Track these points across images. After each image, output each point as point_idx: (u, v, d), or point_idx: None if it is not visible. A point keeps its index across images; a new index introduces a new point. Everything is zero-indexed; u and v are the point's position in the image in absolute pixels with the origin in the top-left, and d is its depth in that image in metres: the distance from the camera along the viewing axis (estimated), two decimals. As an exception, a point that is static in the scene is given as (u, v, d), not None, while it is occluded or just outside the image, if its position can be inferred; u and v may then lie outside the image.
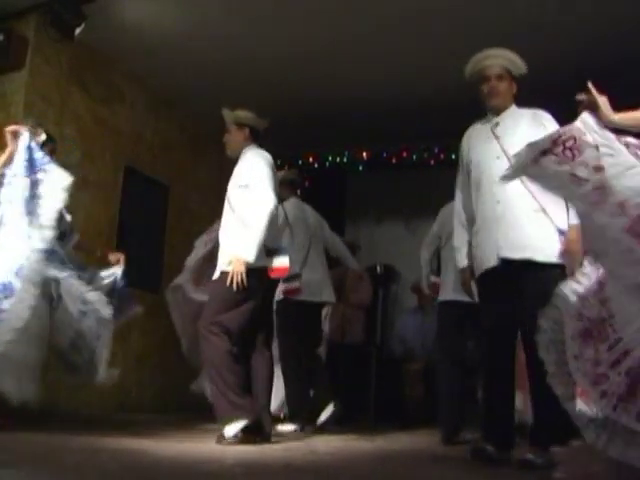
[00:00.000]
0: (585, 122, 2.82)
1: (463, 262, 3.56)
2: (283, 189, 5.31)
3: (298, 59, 5.95)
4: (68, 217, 4.24)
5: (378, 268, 7.33)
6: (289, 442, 4.05)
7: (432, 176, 7.22)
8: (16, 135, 3.69)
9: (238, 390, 3.71)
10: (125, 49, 5.79)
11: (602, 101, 2.75)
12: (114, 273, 4.20)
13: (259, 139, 4.22)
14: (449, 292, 4.72)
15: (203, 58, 5.94)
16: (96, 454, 2.98)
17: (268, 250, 3.90)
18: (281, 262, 3.94)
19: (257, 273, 3.82)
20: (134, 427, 3.90)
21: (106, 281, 4.15)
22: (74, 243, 4.26)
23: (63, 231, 4.12)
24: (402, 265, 7.58)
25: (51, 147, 4.14)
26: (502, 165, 3.15)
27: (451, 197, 5.04)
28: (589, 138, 2.79)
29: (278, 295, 5.02)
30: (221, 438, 3.63)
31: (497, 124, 3.44)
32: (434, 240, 5.06)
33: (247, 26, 5.47)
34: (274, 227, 4.02)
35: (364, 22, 5.32)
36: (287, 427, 4.86)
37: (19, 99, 5.17)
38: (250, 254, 3.74)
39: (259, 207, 3.82)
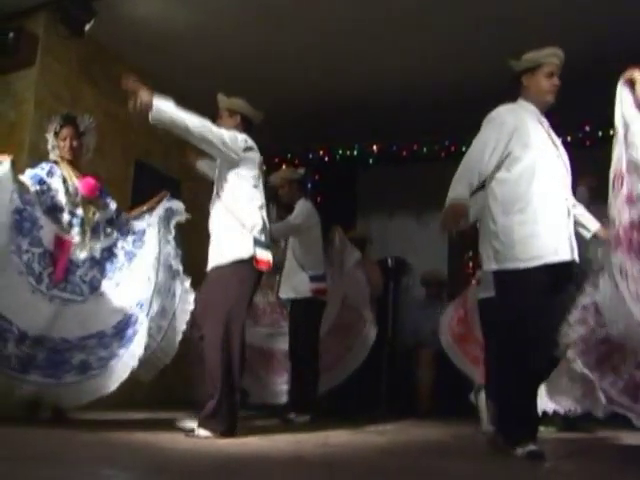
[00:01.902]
0: (619, 94, 3.02)
1: (463, 192, 3.34)
2: (293, 190, 5.35)
3: (308, 54, 5.95)
4: (113, 205, 4.27)
5: (389, 261, 7.34)
6: (299, 434, 4.07)
7: (443, 169, 7.19)
8: None
9: (231, 400, 3.63)
10: (135, 45, 5.81)
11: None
12: (163, 204, 4.41)
13: (252, 131, 4.07)
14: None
15: (213, 54, 5.95)
16: (111, 448, 3.01)
17: (255, 240, 3.78)
18: (265, 255, 3.79)
19: (250, 262, 3.74)
20: (145, 423, 3.92)
21: (161, 212, 4.38)
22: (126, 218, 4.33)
23: (109, 218, 4.20)
24: (413, 257, 7.59)
25: (67, 133, 4.10)
26: (561, 165, 3.39)
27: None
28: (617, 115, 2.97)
29: (302, 293, 5.10)
30: (191, 433, 3.54)
31: (543, 122, 3.48)
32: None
33: (258, 22, 5.47)
34: (264, 223, 3.92)
35: (373, 17, 5.31)
36: (301, 418, 4.94)
37: (30, 97, 5.21)
38: (164, 107, 3.60)
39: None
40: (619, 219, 2.80)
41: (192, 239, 5.65)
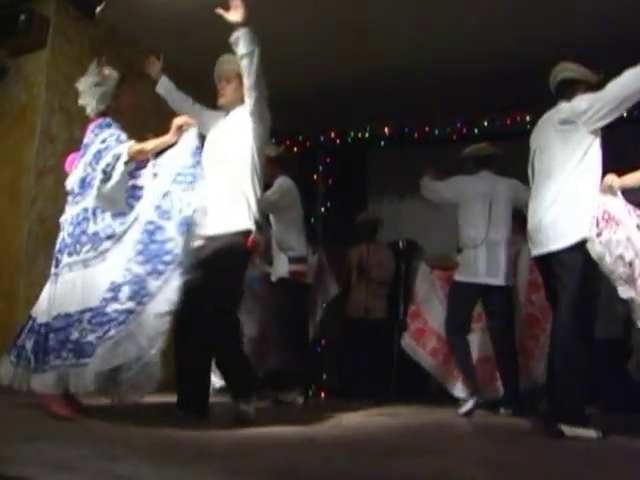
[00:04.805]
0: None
1: None
2: (273, 167, 5.20)
3: (319, 36, 5.91)
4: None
5: (400, 243, 7.32)
6: (310, 416, 4.08)
7: (454, 151, 7.16)
8: (181, 130, 3.53)
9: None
10: (146, 27, 5.77)
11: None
12: None
13: None
14: (465, 273, 4.76)
15: (226, 36, 5.89)
16: (123, 430, 3.02)
17: (255, 221, 3.67)
18: (255, 237, 3.64)
19: (247, 236, 3.64)
20: (155, 408, 3.93)
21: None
22: None
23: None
24: (424, 240, 7.56)
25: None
26: None
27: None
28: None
29: (280, 273, 5.09)
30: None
31: None
32: (437, 197, 5.40)
33: (270, 4, 5.43)
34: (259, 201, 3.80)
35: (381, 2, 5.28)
36: (291, 396, 5.13)
37: (41, 79, 5.20)
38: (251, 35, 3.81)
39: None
40: None
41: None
